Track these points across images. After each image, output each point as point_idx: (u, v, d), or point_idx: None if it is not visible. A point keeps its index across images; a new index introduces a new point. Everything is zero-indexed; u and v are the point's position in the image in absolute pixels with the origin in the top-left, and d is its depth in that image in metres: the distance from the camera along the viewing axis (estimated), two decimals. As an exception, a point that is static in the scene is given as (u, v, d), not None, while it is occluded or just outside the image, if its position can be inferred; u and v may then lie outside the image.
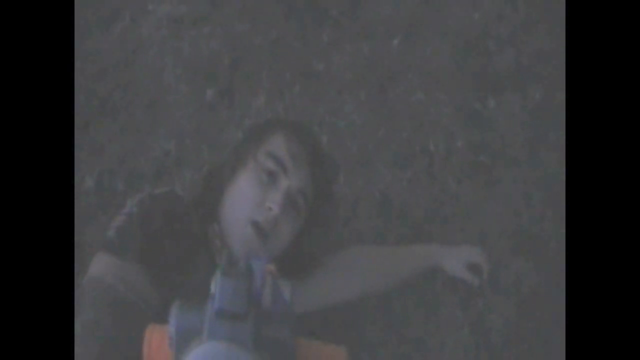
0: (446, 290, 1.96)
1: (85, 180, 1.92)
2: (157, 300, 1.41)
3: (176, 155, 2.01)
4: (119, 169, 1.97)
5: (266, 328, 0.98)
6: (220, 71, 2.10)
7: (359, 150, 2.07)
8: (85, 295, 1.38)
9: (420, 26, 2.19)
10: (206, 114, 2.06)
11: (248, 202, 1.55)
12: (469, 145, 2.09)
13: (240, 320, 0.96)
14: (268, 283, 1.02)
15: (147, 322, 1.28)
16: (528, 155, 2.09)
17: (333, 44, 2.16)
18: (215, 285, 0.96)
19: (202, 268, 1.52)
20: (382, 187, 2.04)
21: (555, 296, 1.97)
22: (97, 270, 1.44)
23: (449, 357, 1.91)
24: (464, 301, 1.95)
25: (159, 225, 1.50)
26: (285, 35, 2.16)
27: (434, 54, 2.16)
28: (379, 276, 1.89)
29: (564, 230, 2.00)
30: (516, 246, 2.01)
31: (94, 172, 1.94)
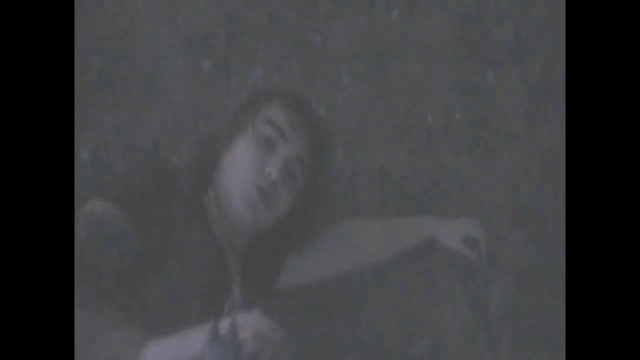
0: (444, 264, 1.96)
1: (80, 154, 1.91)
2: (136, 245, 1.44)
3: (172, 128, 2.00)
4: (114, 142, 1.96)
5: None
6: (216, 43, 2.08)
7: (356, 123, 2.05)
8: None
9: (418, -2, 2.17)
10: (203, 87, 2.04)
11: (247, 167, 1.57)
12: (468, 119, 2.08)
13: None
14: (264, 350, 1.01)
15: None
16: (527, 129, 2.08)
17: (330, 16, 2.14)
18: (205, 355, 0.96)
19: (195, 234, 1.53)
20: (379, 159, 2.03)
21: (553, 270, 1.97)
22: (87, 206, 1.46)
23: (447, 331, 1.91)
24: (462, 275, 1.95)
25: (145, 181, 1.52)
26: (282, 7, 2.13)
27: (433, 27, 2.14)
28: (375, 248, 1.90)
29: (562, 205, 2.00)
30: (515, 220, 2.00)
31: (90, 146, 1.92)
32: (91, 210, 1.44)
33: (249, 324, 1.16)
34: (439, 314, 1.93)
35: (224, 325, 1.10)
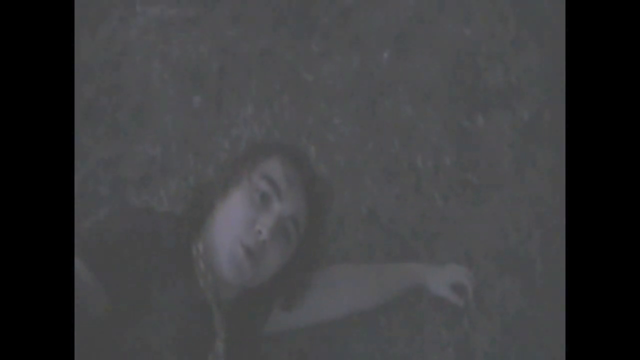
0: (431, 309, 1.94)
1: (68, 184, 1.88)
2: (107, 308, 1.38)
3: (161, 162, 1.97)
4: (103, 174, 1.93)
5: None
6: (208, 77, 2.07)
7: (346, 164, 2.04)
8: None
9: (411, 40, 2.17)
10: (193, 121, 2.02)
11: (238, 222, 1.50)
12: (457, 163, 2.08)
13: None
14: None
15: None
16: (516, 174, 2.08)
17: (323, 54, 2.14)
18: None
19: (177, 287, 1.48)
20: (369, 201, 2.02)
21: (540, 317, 1.96)
22: None
23: (433, 377, 1.90)
24: (449, 320, 1.94)
25: (121, 238, 1.44)
26: (275, 43, 2.12)
27: (424, 69, 2.15)
28: (363, 295, 1.87)
29: (550, 251, 2.01)
30: (502, 266, 1.99)
31: (78, 176, 1.89)
32: None
33: None
34: (425, 359, 1.91)
35: None
